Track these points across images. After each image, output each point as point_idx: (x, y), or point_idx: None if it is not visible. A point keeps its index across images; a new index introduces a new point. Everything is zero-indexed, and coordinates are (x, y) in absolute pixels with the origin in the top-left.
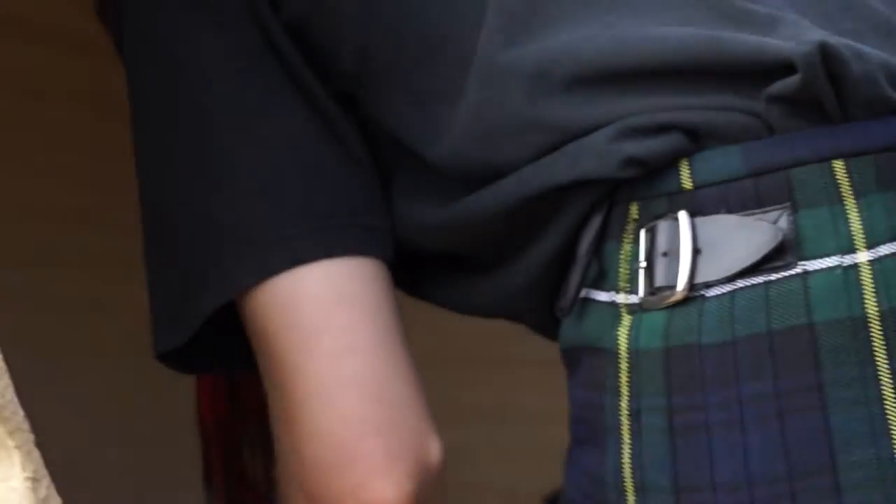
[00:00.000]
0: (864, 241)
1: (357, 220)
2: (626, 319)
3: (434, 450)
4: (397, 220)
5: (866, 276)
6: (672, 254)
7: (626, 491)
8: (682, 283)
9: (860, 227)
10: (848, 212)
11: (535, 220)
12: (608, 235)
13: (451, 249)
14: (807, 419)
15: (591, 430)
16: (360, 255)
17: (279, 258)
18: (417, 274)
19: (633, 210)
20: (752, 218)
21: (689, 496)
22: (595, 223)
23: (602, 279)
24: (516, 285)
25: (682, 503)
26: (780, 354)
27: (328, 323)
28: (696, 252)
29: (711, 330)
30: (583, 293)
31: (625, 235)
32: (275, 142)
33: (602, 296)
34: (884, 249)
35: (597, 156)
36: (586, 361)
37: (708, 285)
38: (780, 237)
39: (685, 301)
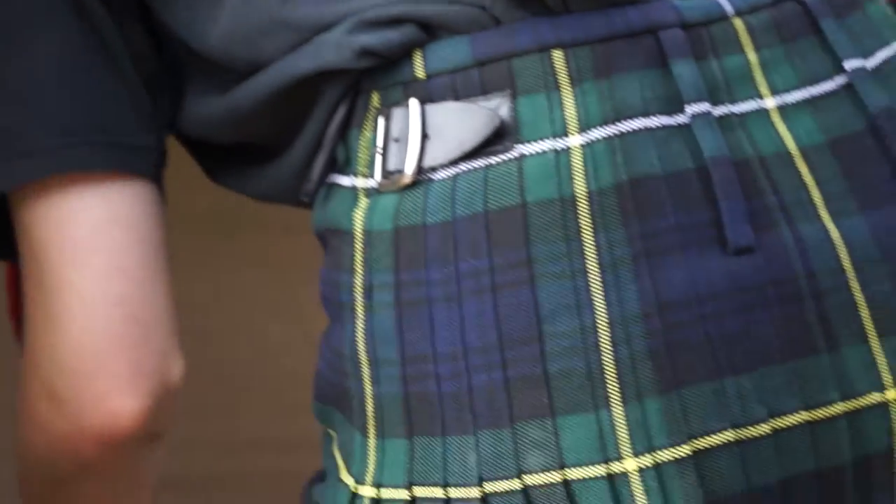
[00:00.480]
0: (576, 125)
1: (126, 138)
2: (363, 202)
3: (177, 370)
4: (189, 114)
5: (577, 159)
6: (403, 139)
7: (361, 363)
8: (410, 166)
9: (574, 112)
10: (564, 98)
11: (295, 111)
12: (352, 123)
13: (234, 139)
14: (517, 293)
15: (333, 308)
16: (130, 173)
17: (41, 165)
18: (217, 163)
19: (375, 99)
20: (475, 104)
21: (413, 366)
22: (340, 112)
23: (346, 165)
24: (289, 173)
25: (407, 373)
26: (494, 233)
27: (101, 242)
28: (424, 137)
29: (435, 211)
30: (330, 179)
31: (366, 123)
32: (43, 55)
33: (345, 180)
34: (595, 134)
35: (335, 47)
36: (331, 243)
37: (434, 169)
38: (497, 122)
39: (414, 184)
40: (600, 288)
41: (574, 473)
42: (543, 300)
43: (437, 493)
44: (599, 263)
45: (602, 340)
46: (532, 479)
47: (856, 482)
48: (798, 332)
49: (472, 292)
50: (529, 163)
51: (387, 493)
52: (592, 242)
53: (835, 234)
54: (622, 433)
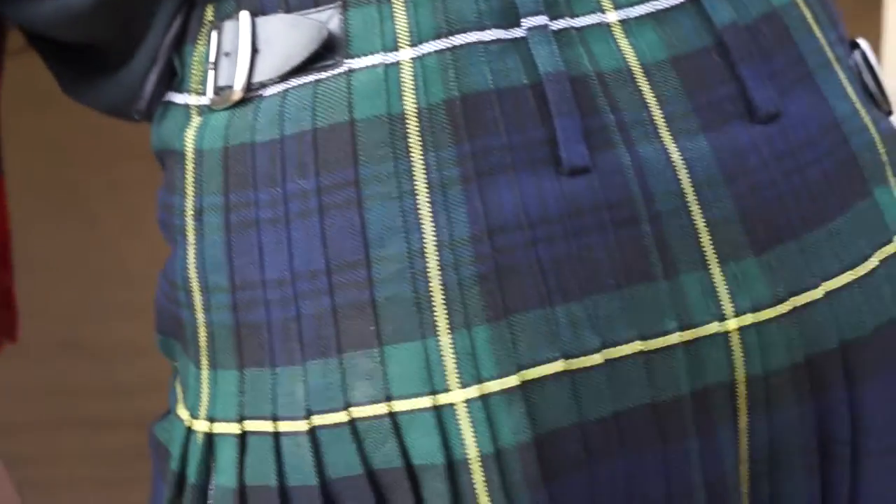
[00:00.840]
0: (408, 39)
1: None
2: (196, 121)
3: None
4: (39, 18)
5: (407, 75)
6: (233, 54)
7: (192, 291)
8: (238, 82)
9: (406, 25)
10: (395, 10)
11: (132, 18)
12: (187, 38)
13: (72, 38)
14: (344, 214)
15: (168, 233)
16: None
17: None
18: (65, 67)
19: (209, 12)
20: (305, 17)
21: (243, 293)
22: (175, 25)
23: (181, 82)
24: (131, 86)
25: (237, 301)
26: (322, 152)
27: None
28: (254, 51)
29: (263, 129)
30: (166, 97)
31: (200, 37)
32: None
33: (179, 98)
34: (426, 48)
35: None
36: (166, 164)
37: (264, 85)
38: (325, 35)
39: (245, 101)
40: (429, 210)
41: (400, 405)
42: (371, 223)
43: (267, 426)
44: (428, 184)
45: (430, 265)
46: (359, 412)
47: (696, 414)
48: (634, 258)
49: (299, 214)
50: (358, 78)
51: (219, 427)
52: (421, 162)
53: (675, 154)
54: (449, 363)
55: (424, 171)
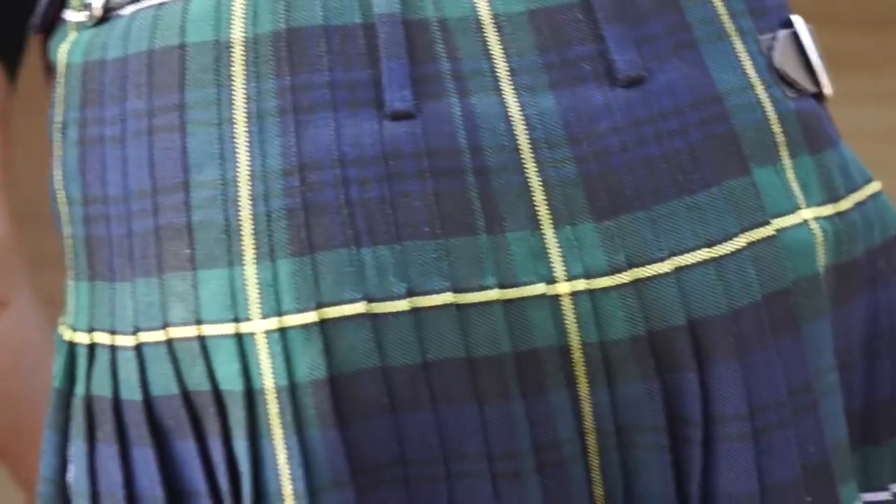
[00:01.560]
0: None
1: None
2: (72, 36)
3: None
4: None
5: (239, 3)
6: None
7: (59, 203)
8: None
9: None
10: None
11: None
12: None
13: None
14: (169, 137)
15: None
16: None
17: None
18: None
19: None
20: None
21: (92, 207)
22: None
23: None
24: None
25: (88, 214)
26: (155, 73)
27: None
28: None
29: (113, 46)
30: (61, 14)
31: None
32: None
33: (66, 14)
34: None
35: None
36: (51, 78)
37: (121, 4)
38: None
39: (106, 19)
40: (246, 140)
41: (208, 330)
42: (192, 148)
43: (106, 339)
44: (247, 114)
45: (242, 194)
46: (174, 333)
47: (521, 376)
48: (454, 209)
49: (134, 134)
50: (195, 3)
51: (77, 337)
52: (243, 91)
53: (514, 109)
54: (252, 293)
55: (245, 101)
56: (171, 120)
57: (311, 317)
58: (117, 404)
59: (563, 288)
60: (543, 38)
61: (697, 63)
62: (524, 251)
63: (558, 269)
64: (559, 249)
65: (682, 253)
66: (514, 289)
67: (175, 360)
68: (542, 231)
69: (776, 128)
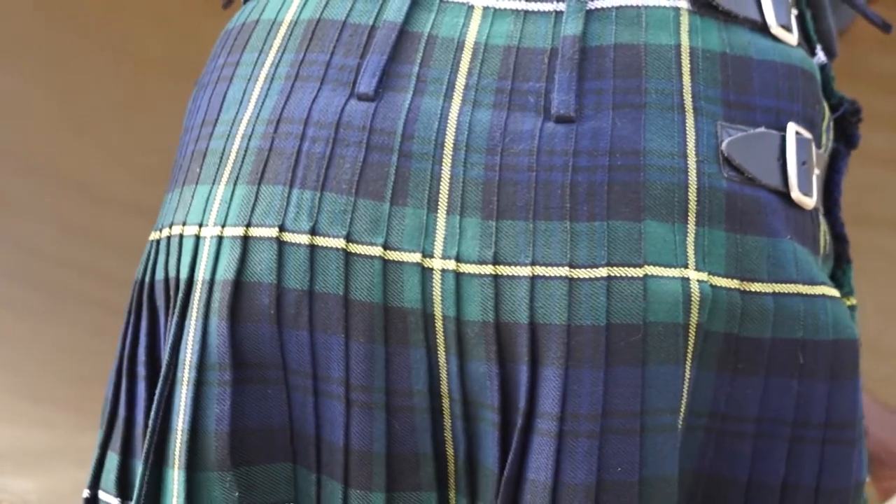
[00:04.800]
0: None
1: None
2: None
3: None
4: None
5: None
6: None
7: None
8: None
9: None
10: None
11: None
12: None
13: None
14: (224, 85)
15: None
16: None
17: None
18: None
19: None
20: None
21: (183, 135)
22: None
23: None
24: None
25: (181, 140)
26: (237, 39)
27: None
28: None
29: (235, 19)
30: None
31: None
32: None
33: None
34: None
35: None
36: None
37: None
38: None
39: None
40: (258, 93)
41: (186, 230)
42: (229, 94)
43: (156, 235)
44: (267, 75)
45: (238, 132)
46: (170, 231)
47: (387, 326)
48: (371, 177)
49: (214, 80)
50: None
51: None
52: (272, 58)
53: (453, 114)
54: (214, 206)
55: (270, 66)
56: (229, 72)
57: (239, 231)
58: (152, 286)
59: (436, 263)
60: (506, 69)
61: (635, 121)
62: (415, 225)
63: (437, 247)
64: (444, 232)
65: (544, 265)
66: (397, 252)
67: (167, 252)
68: (436, 214)
69: (692, 195)
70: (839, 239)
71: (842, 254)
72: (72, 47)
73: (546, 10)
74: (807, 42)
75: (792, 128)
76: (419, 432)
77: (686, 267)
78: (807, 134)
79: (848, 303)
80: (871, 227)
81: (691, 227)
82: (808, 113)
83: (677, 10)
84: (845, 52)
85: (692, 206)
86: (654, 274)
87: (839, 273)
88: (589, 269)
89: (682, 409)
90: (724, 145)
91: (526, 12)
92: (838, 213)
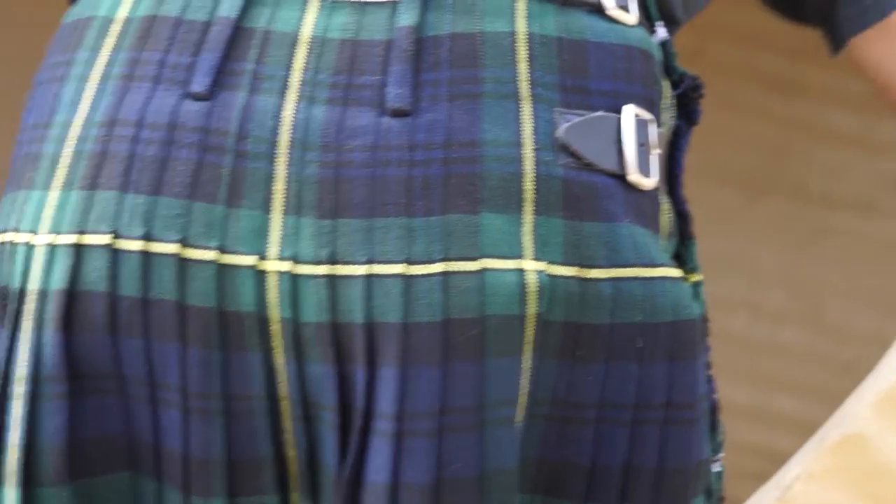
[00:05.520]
0: None
1: None
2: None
3: None
4: None
5: None
6: None
7: None
8: None
9: None
10: None
11: None
12: None
13: None
14: (55, 85)
15: None
16: None
17: None
18: None
19: None
20: None
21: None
22: None
23: None
24: None
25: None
26: (71, 36)
27: None
28: None
29: (69, 15)
30: None
31: None
32: None
33: None
34: None
35: None
36: None
37: None
38: None
39: None
40: (91, 94)
41: (17, 238)
42: (61, 95)
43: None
44: (101, 74)
45: (71, 135)
46: (4, 237)
47: (223, 331)
48: (205, 179)
49: (47, 80)
50: None
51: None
52: (105, 57)
53: (288, 112)
54: (48, 212)
55: (103, 65)
56: (62, 72)
57: (72, 239)
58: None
59: (271, 265)
60: (343, 63)
61: (471, 112)
62: (250, 227)
63: (273, 249)
64: (279, 233)
65: (380, 263)
66: (231, 255)
67: (2, 259)
68: (271, 215)
69: (528, 185)
70: (682, 216)
71: (685, 231)
72: None
73: (384, 0)
74: (647, 19)
75: (629, 110)
76: (259, 436)
77: (523, 257)
78: (646, 115)
79: (692, 279)
80: (839, 210)
81: (528, 216)
82: (647, 93)
83: None
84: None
85: (529, 195)
86: (491, 267)
87: (683, 250)
88: (425, 265)
89: (522, 400)
90: (560, 131)
91: (364, 4)
92: (680, 190)
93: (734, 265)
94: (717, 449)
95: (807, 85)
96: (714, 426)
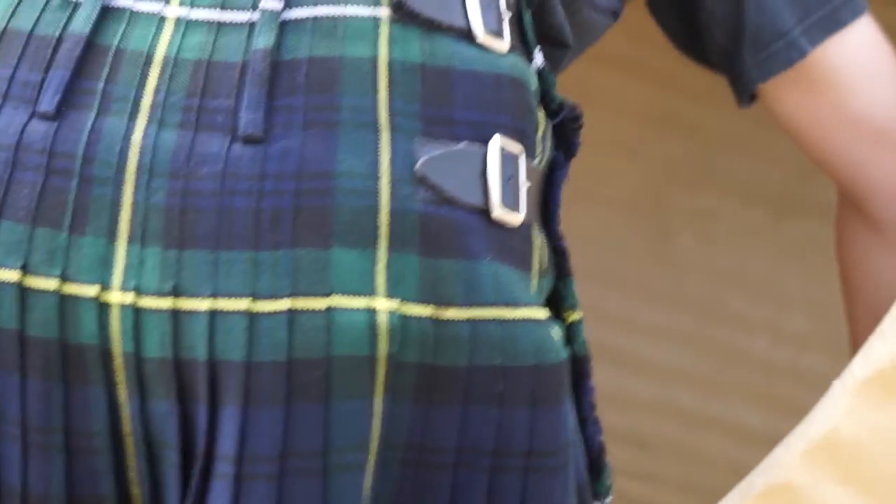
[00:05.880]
0: None
1: None
2: None
3: None
4: None
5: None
6: None
7: None
8: None
9: None
10: None
11: None
12: None
13: None
14: None
15: None
16: None
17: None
18: None
19: None
20: None
21: None
22: None
23: None
24: None
25: None
26: None
27: None
28: None
29: None
30: None
31: None
32: None
33: None
34: None
35: None
36: None
37: None
38: None
39: None
40: None
41: None
42: None
43: None
44: None
45: None
46: None
47: (65, 364)
48: (49, 204)
49: None
50: None
51: None
52: None
53: (137, 136)
54: None
55: None
56: None
57: None
58: None
59: (114, 297)
60: (195, 85)
61: (327, 141)
62: (94, 256)
63: (117, 279)
64: (124, 263)
65: (225, 297)
66: (74, 285)
67: None
68: (116, 244)
69: (383, 219)
70: (559, 252)
71: (563, 268)
72: None
73: (241, 20)
74: (524, 45)
75: (496, 141)
76: (101, 474)
77: (375, 295)
78: (515, 147)
79: (570, 318)
80: (805, 219)
81: (382, 252)
82: (518, 123)
83: (377, 19)
84: None
85: (384, 230)
86: (340, 305)
87: (561, 287)
88: (271, 302)
89: (374, 445)
90: (420, 164)
91: (220, 24)
92: (556, 225)
93: (758, 285)
94: (604, 493)
95: None
96: (599, 470)
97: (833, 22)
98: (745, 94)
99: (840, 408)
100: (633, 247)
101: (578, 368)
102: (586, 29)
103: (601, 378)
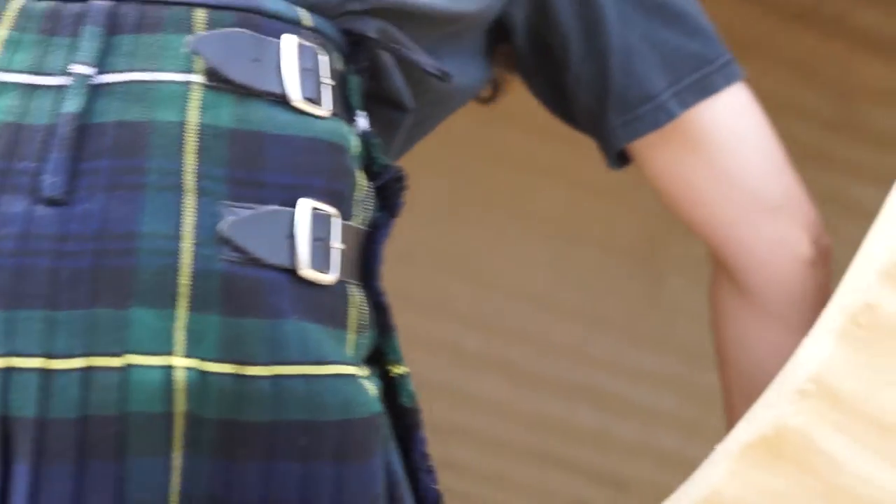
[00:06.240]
0: None
1: None
2: None
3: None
4: None
5: None
6: None
7: None
8: None
9: None
10: None
11: None
12: None
13: None
14: None
15: None
16: None
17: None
18: None
19: None
20: None
21: None
22: None
23: None
24: None
25: None
26: None
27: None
28: None
29: None
30: None
31: None
32: None
33: None
34: None
35: None
36: None
37: None
38: None
39: None
40: None
41: None
42: None
43: None
44: None
45: None
46: None
47: None
48: None
49: None
50: None
51: None
52: None
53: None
54: None
55: None
56: None
57: None
58: None
59: (17, 361)
60: (3, 148)
61: (131, 203)
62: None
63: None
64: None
65: (20, 356)
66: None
67: None
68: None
69: (184, 280)
70: (380, 308)
71: (384, 323)
72: None
73: (52, 84)
74: (346, 110)
75: (305, 204)
76: None
77: (172, 354)
78: (328, 209)
79: (394, 371)
80: None
81: (182, 311)
82: (333, 186)
83: (188, 85)
84: (844, 108)
85: (184, 290)
86: (136, 363)
87: (382, 342)
88: (65, 360)
89: (174, 500)
90: (224, 225)
91: (33, 87)
92: (377, 282)
93: None
94: None
95: (834, 157)
96: None
97: (706, 88)
98: (612, 153)
99: (722, 470)
100: (624, 290)
101: (407, 421)
102: (438, 98)
103: (584, 418)
